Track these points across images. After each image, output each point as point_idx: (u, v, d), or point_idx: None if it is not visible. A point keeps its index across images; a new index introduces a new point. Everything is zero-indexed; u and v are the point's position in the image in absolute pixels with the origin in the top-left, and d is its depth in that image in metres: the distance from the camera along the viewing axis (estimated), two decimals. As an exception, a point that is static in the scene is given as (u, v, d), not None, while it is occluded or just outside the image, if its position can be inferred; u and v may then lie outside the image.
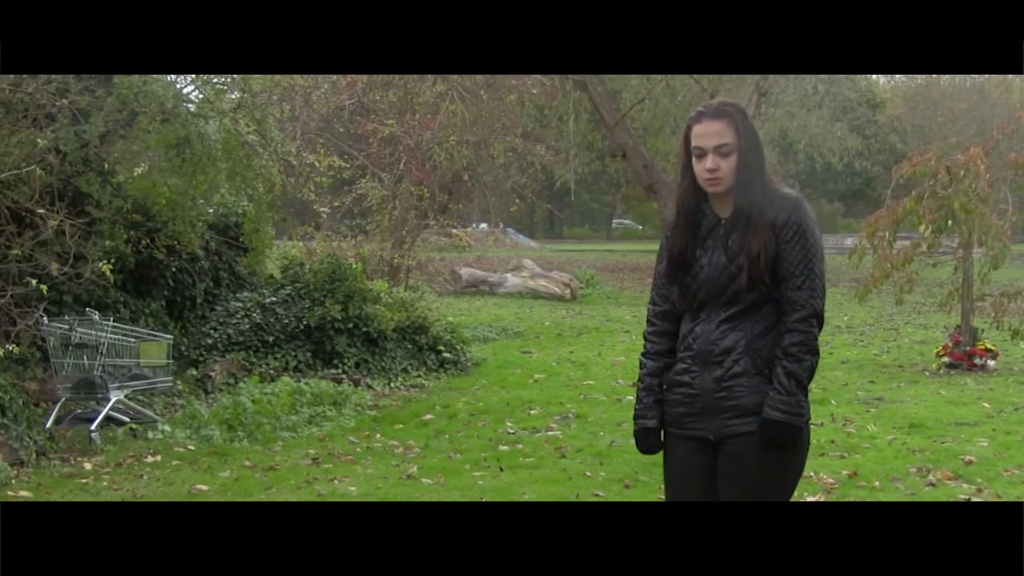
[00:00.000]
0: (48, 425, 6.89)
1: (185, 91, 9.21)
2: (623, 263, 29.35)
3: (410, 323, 10.20)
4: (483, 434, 7.46)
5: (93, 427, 6.92)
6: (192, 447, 6.89)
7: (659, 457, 3.02)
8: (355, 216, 15.63)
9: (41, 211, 6.82)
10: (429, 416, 8.14)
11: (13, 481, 5.90)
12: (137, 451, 6.74)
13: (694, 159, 2.82)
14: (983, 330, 10.44)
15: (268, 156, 8.85)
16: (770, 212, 2.77)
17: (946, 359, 10.21)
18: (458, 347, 10.62)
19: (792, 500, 5.34)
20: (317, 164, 11.59)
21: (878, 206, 11.69)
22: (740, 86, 24.48)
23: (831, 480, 5.82)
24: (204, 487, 5.88)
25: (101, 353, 7.28)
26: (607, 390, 9.27)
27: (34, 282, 6.75)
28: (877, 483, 5.79)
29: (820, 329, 2.80)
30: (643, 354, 3.00)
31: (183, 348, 9.11)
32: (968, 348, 10.14)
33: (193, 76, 9.10)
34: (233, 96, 9.13)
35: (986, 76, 31.71)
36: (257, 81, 8.99)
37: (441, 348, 10.37)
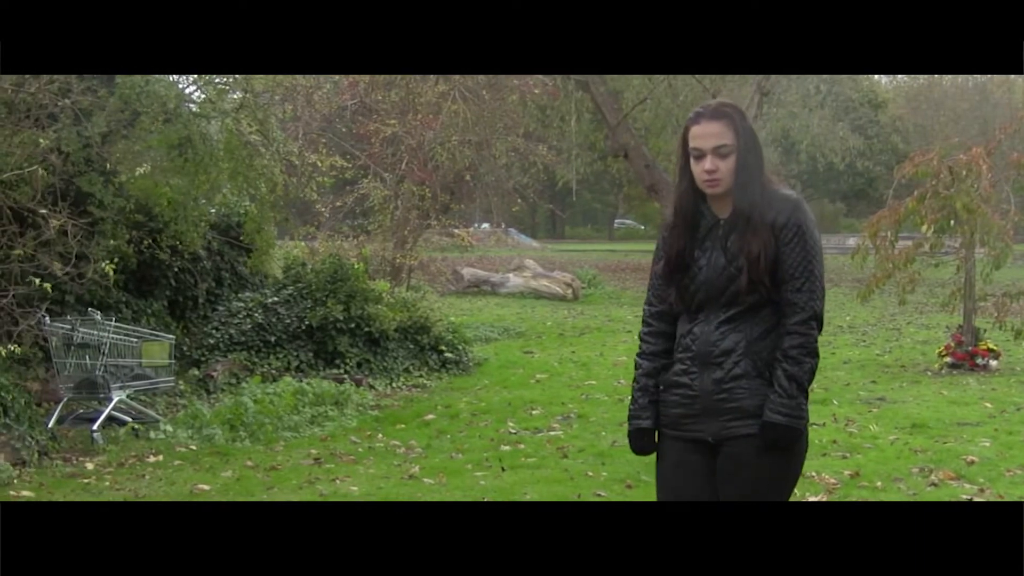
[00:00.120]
0: (50, 425, 6.90)
1: (187, 91, 9.21)
2: (625, 263, 29.34)
3: (412, 323, 10.20)
4: (485, 434, 7.45)
5: (95, 427, 6.92)
6: (194, 447, 6.89)
7: None
8: (357, 216, 15.63)
9: (43, 211, 6.83)
10: (431, 416, 8.14)
11: (15, 481, 5.91)
12: (139, 451, 6.75)
13: (692, 160, 2.80)
14: (985, 330, 10.43)
15: (270, 156, 8.85)
16: (770, 213, 2.76)
17: (948, 359, 10.20)
18: (460, 347, 10.62)
19: (793, 500, 5.34)
20: (319, 164, 11.59)
21: (880, 206, 11.69)
22: (742, 86, 24.46)
23: (833, 480, 5.81)
24: (206, 487, 5.89)
25: (103, 353, 7.28)
26: (609, 390, 9.27)
27: (37, 282, 6.76)
28: (879, 483, 5.79)
29: (820, 331, 2.79)
30: (639, 354, 2.98)
31: (185, 348, 9.12)
32: (970, 348, 10.13)
33: (195, 76, 9.11)
34: (235, 96, 9.13)
35: (988, 76, 31.68)
36: (259, 81, 8.99)
37: (443, 348, 10.37)
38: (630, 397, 3.00)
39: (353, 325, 9.71)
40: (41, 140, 6.84)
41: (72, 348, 7.23)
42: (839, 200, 47.51)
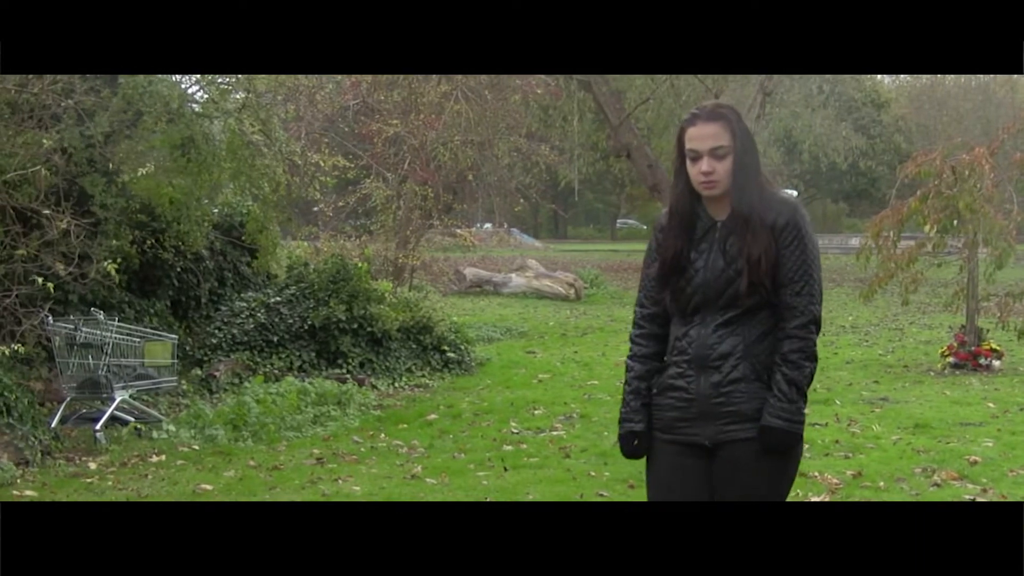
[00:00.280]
0: (53, 425, 6.91)
1: (190, 91, 9.22)
2: (627, 263, 29.33)
3: (414, 323, 10.21)
4: (487, 434, 7.46)
5: (98, 427, 6.93)
6: (196, 447, 6.90)
7: None
8: (360, 216, 15.63)
9: (47, 211, 6.84)
10: (433, 416, 8.14)
11: (18, 480, 5.92)
12: (142, 451, 6.75)
13: (688, 162, 2.78)
14: (988, 330, 10.42)
15: (272, 156, 8.86)
16: (769, 215, 2.74)
17: (951, 359, 10.19)
18: (462, 347, 10.63)
19: (796, 500, 5.33)
20: (322, 164, 11.60)
21: (883, 206, 11.68)
22: (744, 86, 24.47)
23: (836, 480, 5.81)
24: (208, 487, 5.89)
25: (106, 353, 7.29)
26: (611, 390, 9.27)
27: (40, 281, 6.77)
28: (882, 483, 5.78)
29: (818, 334, 2.78)
30: (630, 357, 2.94)
31: (188, 348, 9.12)
32: (973, 348, 10.12)
33: (198, 76, 9.12)
34: (238, 96, 9.14)
35: (991, 76, 31.65)
36: (262, 81, 9.00)
37: (445, 348, 10.37)
38: (621, 400, 2.96)
39: (356, 325, 9.71)
40: (44, 140, 6.85)
41: (75, 348, 7.24)
42: (842, 200, 47.50)
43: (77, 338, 7.20)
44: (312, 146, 12.77)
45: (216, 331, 9.43)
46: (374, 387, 9.27)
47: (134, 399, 7.57)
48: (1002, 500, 5.38)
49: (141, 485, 5.94)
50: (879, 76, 37.80)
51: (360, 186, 14.80)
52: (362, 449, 7.00)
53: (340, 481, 6.04)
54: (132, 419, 7.29)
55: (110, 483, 5.98)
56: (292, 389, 8.07)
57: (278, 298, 9.81)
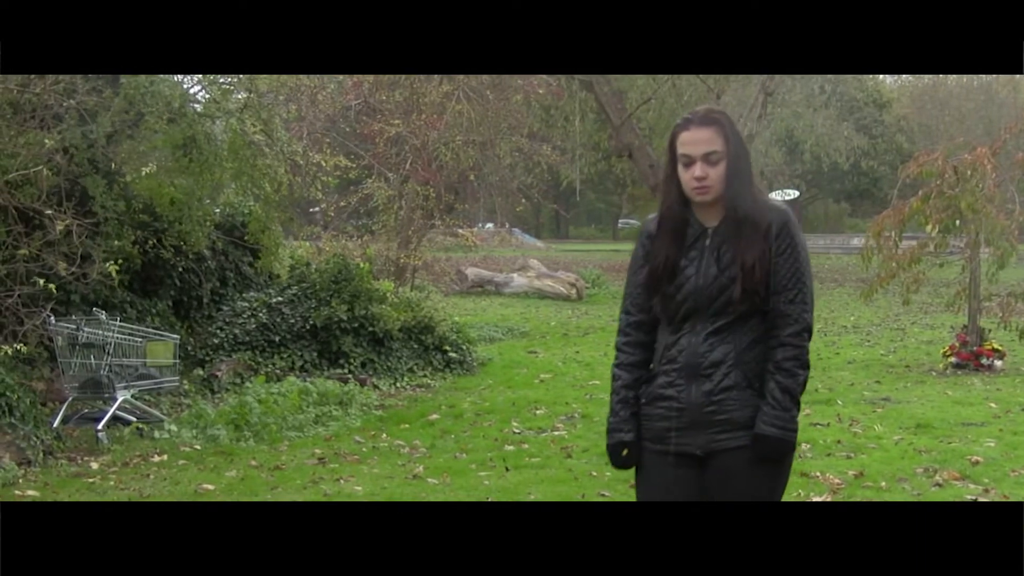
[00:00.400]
0: (55, 424, 6.91)
1: (192, 91, 9.23)
2: (629, 263, 29.30)
3: (416, 323, 10.21)
4: (489, 434, 7.46)
5: (100, 426, 6.94)
6: (198, 447, 6.90)
7: None
8: (361, 216, 15.65)
9: (49, 211, 6.84)
10: (435, 416, 8.14)
11: (20, 480, 5.92)
12: (144, 450, 6.76)
13: (680, 167, 2.74)
14: (990, 330, 10.42)
15: (274, 156, 8.86)
16: (763, 222, 2.71)
17: (953, 359, 10.19)
18: (464, 347, 10.63)
19: (798, 500, 5.33)
20: (323, 164, 11.61)
21: (884, 206, 11.68)
22: (746, 86, 24.45)
23: (837, 480, 5.81)
24: (210, 487, 5.89)
25: (108, 353, 7.30)
26: (613, 390, 9.26)
27: (41, 282, 6.77)
28: (883, 483, 5.78)
29: (809, 341, 2.75)
30: (616, 365, 2.90)
31: (189, 348, 9.13)
32: (975, 348, 10.12)
33: (200, 76, 9.13)
34: (240, 96, 9.15)
35: (993, 76, 31.64)
36: (263, 81, 9.00)
37: (447, 348, 10.37)
38: (609, 409, 2.92)
39: (357, 325, 9.72)
40: (47, 140, 6.85)
41: (77, 348, 7.25)
42: (843, 200, 47.49)
43: (79, 338, 7.21)
44: (314, 146, 12.79)
45: (218, 331, 9.44)
46: (376, 387, 9.28)
47: (136, 399, 7.58)
48: (1004, 500, 5.38)
49: (143, 485, 5.94)
50: (881, 76, 37.80)
51: (362, 186, 14.81)
52: (364, 449, 7.00)
53: (342, 481, 6.04)
54: (134, 419, 7.29)
55: (112, 483, 5.98)
56: (294, 389, 8.08)
57: (280, 298, 9.81)
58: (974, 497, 5.49)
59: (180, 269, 9.20)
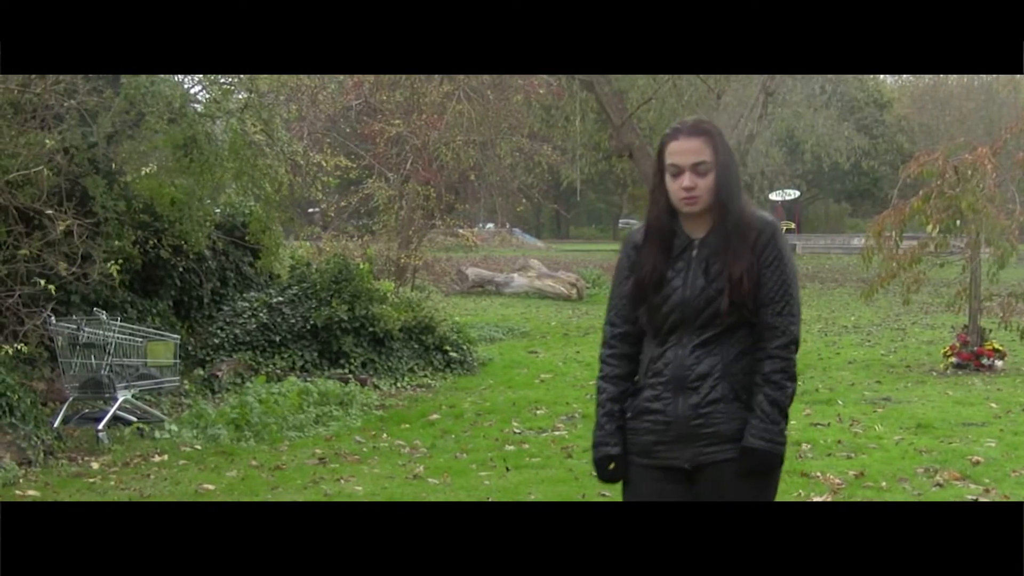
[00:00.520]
0: (56, 424, 6.91)
1: (192, 91, 9.24)
2: (629, 263, 29.29)
3: (416, 323, 10.21)
4: (489, 434, 7.46)
5: (100, 426, 6.94)
6: (199, 447, 6.91)
7: None
8: (362, 216, 15.65)
9: (49, 212, 6.85)
10: (435, 416, 8.14)
11: (21, 480, 5.92)
12: (144, 450, 6.76)
13: (669, 177, 2.71)
14: (991, 330, 10.41)
15: (274, 156, 8.87)
16: (750, 234, 2.68)
17: (953, 359, 10.18)
18: (464, 347, 10.63)
19: (798, 500, 5.33)
20: (324, 164, 11.62)
21: (885, 206, 11.68)
22: (747, 86, 24.45)
23: (838, 480, 5.80)
24: (211, 487, 5.89)
25: (108, 353, 7.30)
26: (613, 390, 9.26)
27: (42, 282, 6.78)
28: (884, 483, 5.78)
29: (796, 353, 2.73)
30: (601, 378, 2.87)
31: (190, 348, 9.13)
32: (976, 348, 10.11)
33: (200, 76, 9.13)
34: (240, 96, 9.15)
35: (994, 76, 31.63)
36: (264, 81, 9.00)
37: (447, 348, 10.37)
38: (595, 423, 2.87)
39: (358, 325, 9.72)
40: (47, 140, 6.86)
41: (77, 348, 7.25)
42: (844, 200, 47.50)
43: (79, 338, 7.21)
44: (314, 146, 12.80)
45: (218, 331, 9.44)
46: (376, 387, 9.28)
47: (136, 399, 7.58)
48: (1004, 500, 5.37)
49: (143, 485, 5.94)
50: (881, 76, 37.80)
51: (362, 186, 14.82)
52: (364, 449, 7.00)
53: (342, 481, 6.04)
54: (134, 419, 7.30)
55: (112, 483, 5.98)
56: (294, 389, 8.08)
57: (280, 298, 9.81)
58: (975, 497, 5.48)
59: (180, 269, 9.20)
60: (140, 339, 7.65)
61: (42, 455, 6.35)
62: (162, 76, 7.76)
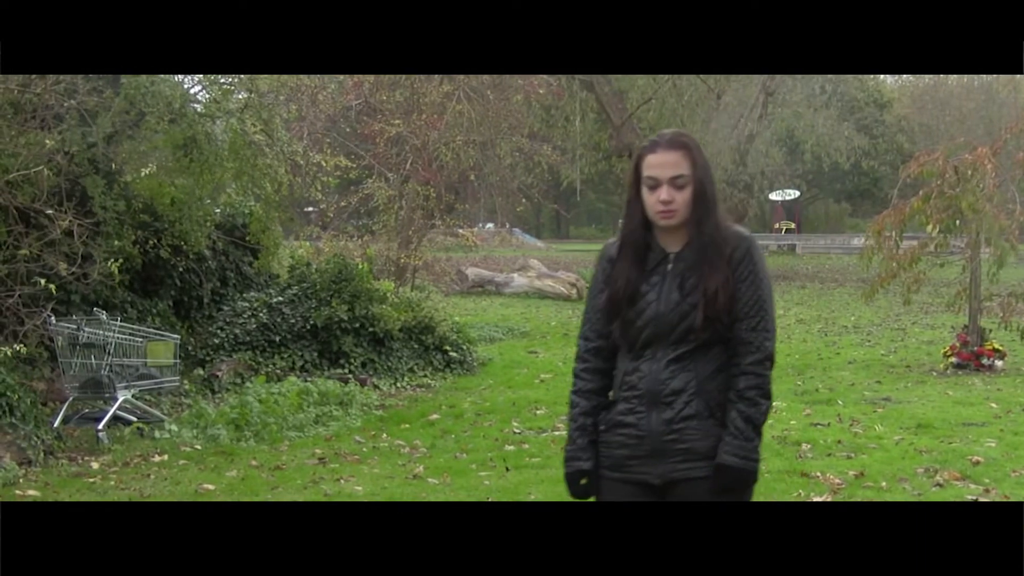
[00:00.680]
0: (56, 424, 6.91)
1: (192, 91, 9.24)
2: (629, 263, 29.26)
3: (416, 323, 10.21)
4: (489, 434, 7.46)
5: (100, 426, 6.94)
6: (199, 446, 6.91)
7: None
8: (362, 216, 15.65)
9: (49, 211, 6.85)
10: (435, 416, 8.14)
11: (21, 480, 5.92)
12: (144, 450, 6.76)
13: (645, 190, 2.67)
14: (991, 330, 10.41)
15: (274, 156, 8.87)
16: (726, 249, 2.65)
17: (953, 359, 10.19)
18: (464, 347, 10.63)
19: (798, 500, 5.33)
20: (324, 164, 11.62)
21: (885, 206, 11.68)
22: (747, 86, 24.47)
23: (838, 480, 5.80)
24: (211, 486, 5.89)
25: (108, 353, 7.30)
26: (613, 390, 9.26)
27: (42, 282, 6.78)
28: (884, 483, 5.78)
29: (772, 370, 2.70)
30: (574, 392, 2.83)
31: (190, 348, 9.13)
32: (976, 348, 10.11)
33: (200, 76, 9.13)
34: (240, 96, 9.16)
35: (994, 76, 31.62)
36: (264, 81, 9.01)
37: (447, 348, 10.37)
38: (567, 437, 2.85)
39: (357, 325, 9.72)
40: (47, 141, 6.86)
41: (78, 348, 7.25)
42: (844, 200, 47.48)
43: (79, 338, 7.22)
44: (314, 146, 12.80)
45: (218, 331, 9.44)
46: (376, 387, 9.28)
47: (136, 399, 7.58)
48: (1005, 500, 5.37)
49: (143, 485, 5.94)
50: (881, 76, 37.80)
51: (362, 186, 14.81)
52: (364, 449, 7.00)
53: (342, 481, 6.04)
54: (134, 419, 7.30)
55: (112, 483, 5.98)
56: (294, 389, 8.08)
57: (280, 298, 9.81)
58: (975, 497, 5.48)
59: (180, 269, 9.20)
60: (140, 339, 7.65)
61: (42, 455, 6.35)
62: (162, 76, 7.76)
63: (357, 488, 5.88)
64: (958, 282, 10.72)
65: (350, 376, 9.24)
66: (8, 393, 6.38)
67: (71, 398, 7.27)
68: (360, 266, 10.21)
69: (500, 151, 16.39)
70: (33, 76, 7.00)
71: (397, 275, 13.77)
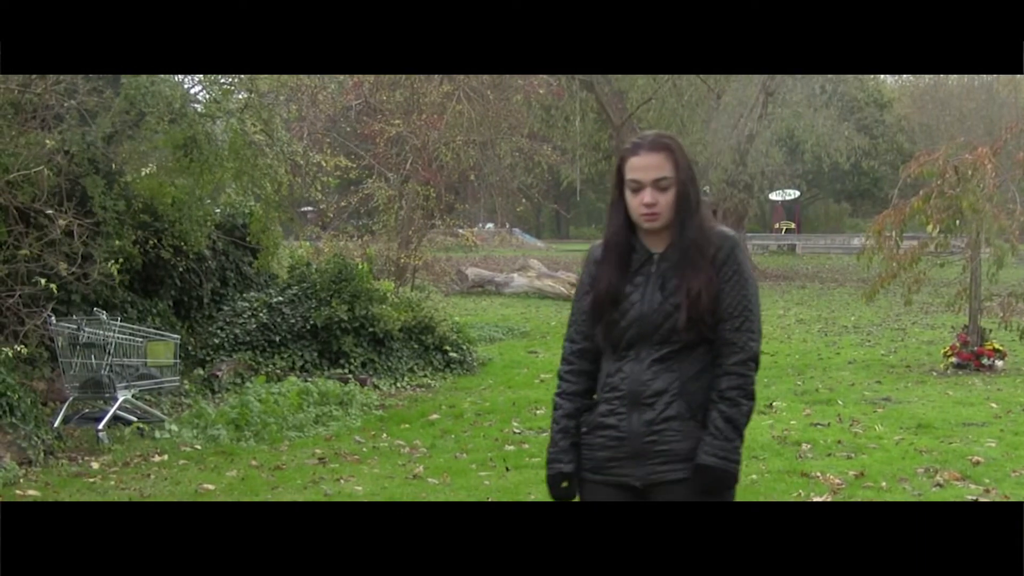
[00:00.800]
0: (56, 424, 6.92)
1: (192, 91, 9.25)
2: (630, 263, 29.24)
3: (416, 323, 10.21)
4: (489, 434, 7.46)
5: (100, 426, 6.94)
6: (199, 446, 6.91)
7: None
8: (362, 216, 15.65)
9: (49, 211, 6.85)
10: (435, 416, 8.14)
11: (21, 480, 5.93)
12: (144, 450, 6.76)
13: (629, 192, 2.67)
14: (991, 330, 10.41)
15: (274, 156, 8.88)
16: (709, 249, 2.64)
17: (954, 359, 10.18)
18: (464, 347, 10.63)
19: (798, 500, 5.33)
20: (324, 164, 11.62)
21: (885, 206, 11.68)
22: (747, 86, 24.47)
23: (838, 480, 5.80)
24: (211, 486, 5.89)
25: (109, 353, 7.30)
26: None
27: (43, 282, 6.78)
28: (884, 483, 5.78)
29: (756, 372, 2.68)
30: (558, 394, 2.81)
31: (190, 348, 9.13)
32: (976, 348, 10.11)
33: (200, 76, 9.14)
34: (240, 96, 9.16)
35: (994, 76, 31.60)
36: (264, 81, 9.01)
37: (447, 348, 10.37)
38: (549, 439, 2.84)
39: (357, 325, 9.72)
40: (47, 141, 6.86)
41: (78, 348, 7.25)
42: (844, 200, 47.48)
43: (80, 338, 7.22)
44: (314, 146, 12.80)
45: (218, 331, 9.44)
46: (376, 387, 9.28)
47: (136, 399, 7.58)
48: (1005, 500, 5.37)
49: (144, 485, 5.94)
50: (881, 76, 37.79)
51: (362, 186, 14.81)
52: (364, 449, 7.00)
53: (342, 481, 6.04)
54: (135, 419, 7.30)
55: (112, 483, 5.98)
56: (294, 389, 8.08)
57: (280, 298, 9.82)
58: (975, 497, 5.48)
59: (181, 269, 9.20)
60: (140, 339, 7.65)
61: (42, 455, 6.35)
62: (162, 76, 7.76)
63: (357, 488, 5.88)
64: (958, 282, 10.72)
65: (350, 376, 9.25)
66: (8, 393, 6.38)
67: (71, 398, 7.27)
68: (360, 266, 10.21)
69: (500, 151, 16.39)
70: (33, 76, 7.01)
71: (397, 275, 13.77)
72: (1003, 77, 31.39)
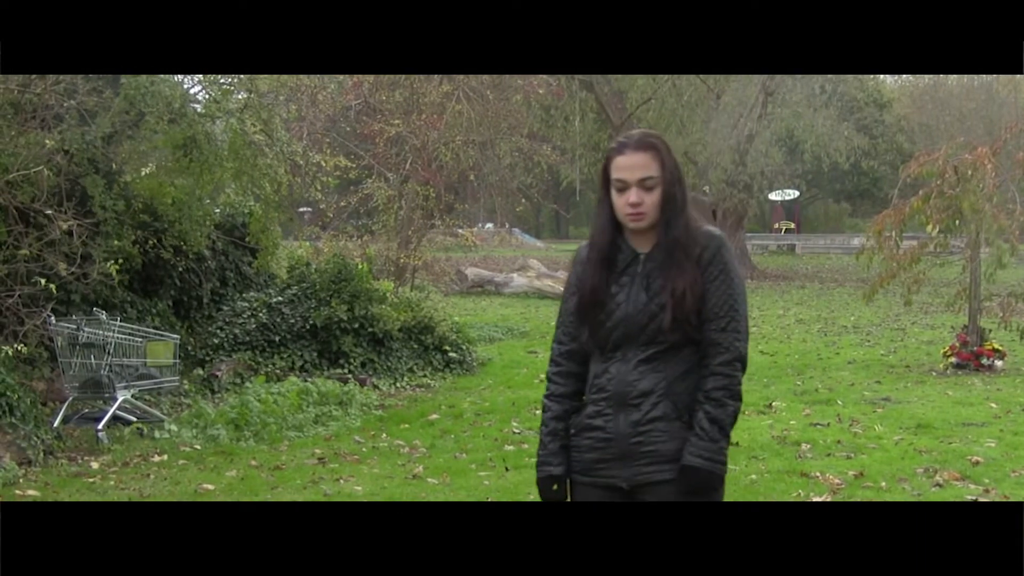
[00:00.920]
0: (55, 424, 6.92)
1: (192, 91, 9.24)
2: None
3: (416, 323, 10.21)
4: (489, 434, 7.46)
5: (100, 426, 6.94)
6: (198, 446, 6.91)
7: None
8: (361, 216, 15.65)
9: (49, 211, 6.85)
10: (435, 416, 8.14)
11: (21, 480, 5.92)
12: (144, 450, 6.76)
13: (614, 192, 2.65)
14: (991, 330, 10.42)
15: (274, 156, 8.87)
16: (695, 249, 2.63)
17: (953, 359, 10.19)
18: (464, 347, 10.63)
19: (798, 500, 5.33)
20: (323, 164, 11.62)
21: (885, 206, 11.68)
22: (746, 86, 24.47)
23: (837, 480, 5.80)
24: (210, 486, 5.90)
25: (108, 353, 7.30)
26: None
27: (42, 282, 6.78)
28: (884, 483, 5.78)
29: (743, 373, 2.67)
30: (546, 396, 2.81)
31: (190, 348, 9.13)
32: (975, 348, 10.12)
33: (200, 76, 9.13)
34: (240, 96, 9.16)
35: (994, 76, 31.61)
36: (264, 81, 9.01)
37: (447, 348, 10.37)
38: (539, 442, 2.82)
39: (357, 325, 9.72)
40: (47, 141, 6.86)
41: (77, 348, 7.25)
42: (844, 200, 47.50)
43: (79, 338, 7.22)
44: (314, 146, 12.79)
45: (218, 331, 9.44)
46: (376, 387, 9.28)
47: (136, 399, 7.58)
48: (1004, 500, 5.37)
49: (143, 485, 5.94)
50: (881, 76, 37.80)
51: (362, 186, 14.81)
52: (364, 449, 7.00)
53: (342, 481, 6.04)
54: (134, 419, 7.30)
55: (112, 483, 5.98)
56: (294, 389, 8.08)
57: (280, 298, 9.82)
58: (974, 497, 5.48)
59: (180, 269, 9.20)
60: (140, 339, 7.65)
61: (42, 455, 6.35)
62: (162, 76, 7.76)
63: (357, 488, 5.88)
64: (958, 282, 10.72)
65: (350, 376, 9.24)
66: (8, 393, 6.38)
67: (71, 398, 7.27)
68: (360, 266, 10.21)
69: (500, 151, 16.39)
70: (33, 76, 7.01)
71: (397, 275, 13.76)
72: (1003, 77, 31.38)
